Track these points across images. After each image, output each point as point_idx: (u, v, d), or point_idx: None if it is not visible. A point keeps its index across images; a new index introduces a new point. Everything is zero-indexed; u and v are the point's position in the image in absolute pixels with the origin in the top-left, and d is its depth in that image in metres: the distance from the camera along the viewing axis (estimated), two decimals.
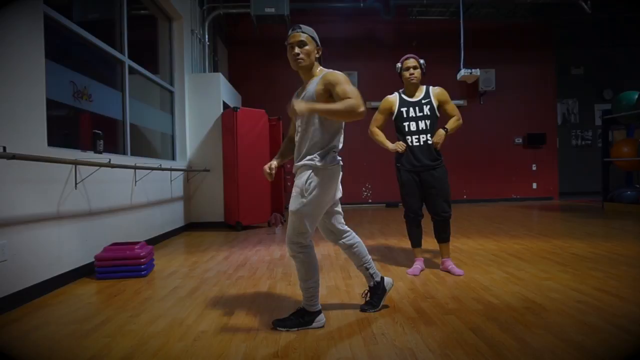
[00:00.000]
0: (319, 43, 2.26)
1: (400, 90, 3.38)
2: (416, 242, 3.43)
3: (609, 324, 2.14)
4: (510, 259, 3.64)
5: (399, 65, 3.34)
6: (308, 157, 2.20)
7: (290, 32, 2.22)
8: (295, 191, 2.20)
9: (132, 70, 4.85)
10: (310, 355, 1.89)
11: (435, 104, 3.25)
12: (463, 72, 8.15)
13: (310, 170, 2.18)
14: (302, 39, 2.18)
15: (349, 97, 2.07)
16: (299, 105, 2.02)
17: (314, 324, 2.23)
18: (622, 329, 2.09)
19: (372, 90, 9.69)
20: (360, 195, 9.79)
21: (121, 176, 4.19)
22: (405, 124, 3.28)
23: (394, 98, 3.36)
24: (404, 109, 3.29)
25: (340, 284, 3.05)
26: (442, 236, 3.35)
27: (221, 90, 6.65)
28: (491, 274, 3.22)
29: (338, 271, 3.45)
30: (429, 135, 3.23)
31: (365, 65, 9.68)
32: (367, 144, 9.73)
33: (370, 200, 9.80)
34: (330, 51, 10.18)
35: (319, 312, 2.27)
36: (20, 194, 2.76)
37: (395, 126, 3.37)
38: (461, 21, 8.39)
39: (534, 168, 10.09)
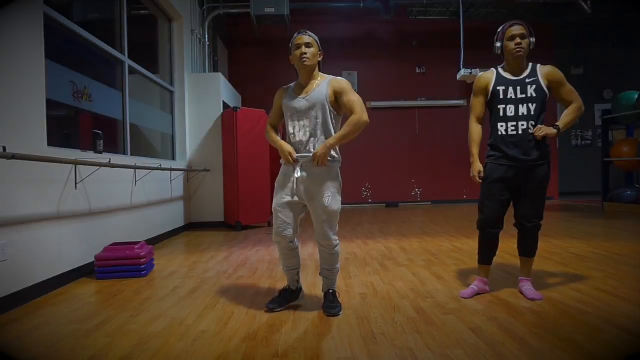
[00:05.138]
0: (321, 48, 2.42)
1: (500, 66, 2.70)
2: (484, 257, 2.75)
3: (609, 324, 2.14)
4: (510, 259, 3.64)
5: (498, 32, 2.62)
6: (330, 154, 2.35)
7: (296, 35, 2.39)
8: (330, 191, 2.34)
9: (132, 70, 4.85)
10: (310, 355, 1.89)
11: (544, 84, 2.56)
12: (463, 72, 8.15)
13: (337, 165, 2.41)
14: (308, 41, 2.35)
15: (354, 108, 2.34)
16: (321, 152, 2.28)
17: None
18: (622, 329, 2.09)
19: (372, 90, 9.72)
20: (360, 195, 9.79)
21: (121, 176, 4.19)
22: (501, 107, 2.60)
23: (490, 74, 2.68)
24: (500, 88, 2.61)
25: (340, 284, 3.04)
26: (522, 249, 2.73)
27: (221, 90, 6.65)
28: (491, 274, 3.21)
29: None
30: (531, 122, 2.54)
31: (365, 65, 9.68)
32: (367, 143, 9.74)
33: (370, 200, 9.80)
34: (330, 51, 10.20)
35: None
36: (20, 194, 2.76)
37: (489, 110, 2.71)
38: (461, 21, 8.39)
39: None
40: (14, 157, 2.49)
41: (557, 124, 2.55)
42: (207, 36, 7.35)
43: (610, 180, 7.95)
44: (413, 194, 9.85)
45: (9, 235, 2.65)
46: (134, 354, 1.93)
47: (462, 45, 8.36)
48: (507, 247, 4.09)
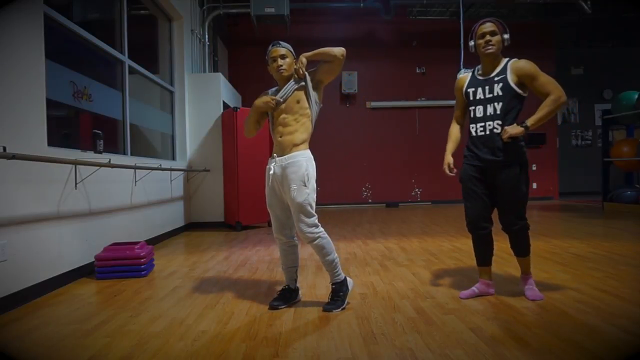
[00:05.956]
0: (295, 56, 2.56)
1: (478, 67, 2.67)
2: (480, 259, 2.72)
3: (609, 324, 2.14)
4: (510, 259, 3.63)
5: (472, 31, 2.57)
6: (298, 150, 2.48)
7: (270, 47, 2.53)
8: (295, 184, 2.41)
9: (132, 70, 4.85)
10: (310, 355, 1.89)
11: (512, 81, 2.46)
12: (463, 72, 8.09)
13: (304, 162, 2.46)
14: (283, 52, 2.50)
15: (328, 55, 2.47)
16: (300, 59, 2.47)
17: (350, 289, 2.58)
18: (622, 329, 2.09)
19: (372, 90, 9.73)
20: (360, 195, 9.79)
21: (121, 176, 4.19)
22: (472, 108, 2.60)
23: (466, 76, 2.70)
24: (470, 90, 2.60)
25: None
26: (515, 250, 2.70)
27: (221, 90, 6.65)
28: (491, 273, 3.21)
29: None
30: (497, 122, 2.49)
31: (365, 65, 9.68)
32: (367, 143, 9.75)
33: (370, 200, 9.80)
34: None
35: (345, 277, 2.58)
36: (20, 194, 2.76)
37: None
38: (461, 21, 8.38)
39: (534, 168, 10.09)
40: (14, 157, 2.49)
41: (526, 121, 2.46)
42: (207, 36, 7.35)
43: (610, 180, 7.95)
44: (413, 194, 9.86)
45: (9, 235, 2.65)
46: (134, 354, 1.93)
47: (462, 45, 8.34)
48: (507, 247, 4.09)
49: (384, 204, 9.69)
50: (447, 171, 2.72)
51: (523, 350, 1.87)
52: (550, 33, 10.09)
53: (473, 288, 2.72)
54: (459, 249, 4.27)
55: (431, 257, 3.90)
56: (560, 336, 2.01)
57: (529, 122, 2.44)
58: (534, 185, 10.13)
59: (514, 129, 2.43)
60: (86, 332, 2.22)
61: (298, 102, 2.50)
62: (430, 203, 9.81)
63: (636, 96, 6.98)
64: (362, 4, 8.60)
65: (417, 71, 9.85)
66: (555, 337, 2.01)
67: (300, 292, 2.71)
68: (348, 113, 9.76)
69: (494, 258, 2.76)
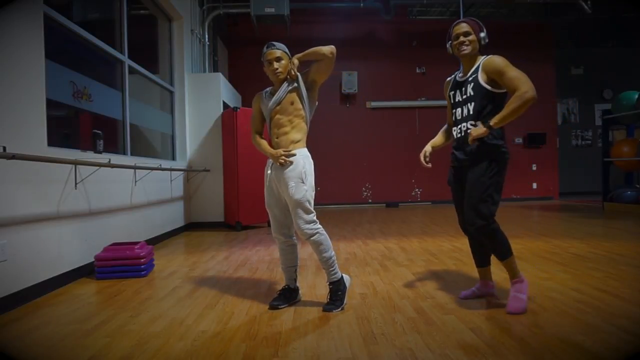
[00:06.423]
0: (290, 56, 2.56)
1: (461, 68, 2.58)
2: (477, 260, 2.68)
3: (609, 324, 2.14)
4: None
5: (448, 31, 2.51)
6: (295, 149, 2.50)
7: (265, 49, 2.52)
8: (293, 182, 2.43)
9: (132, 70, 4.85)
10: (310, 355, 1.89)
11: (482, 79, 2.38)
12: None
13: (302, 159, 2.48)
14: (279, 55, 2.50)
15: (320, 54, 2.48)
16: (292, 61, 2.50)
17: (347, 286, 2.59)
18: (622, 329, 2.09)
19: (372, 90, 9.73)
20: (360, 195, 9.79)
21: (121, 176, 4.19)
22: (454, 111, 2.55)
23: (450, 78, 2.64)
24: (451, 93, 2.57)
25: None
26: (494, 253, 2.48)
27: (221, 90, 6.65)
28: (491, 274, 3.21)
29: None
30: (470, 122, 2.43)
31: (365, 65, 9.68)
32: (367, 143, 9.75)
33: (370, 200, 9.80)
34: None
35: (342, 275, 2.58)
36: (20, 194, 2.76)
37: None
38: None
39: (534, 168, 10.10)
40: (14, 157, 2.49)
41: (488, 121, 2.32)
42: (207, 36, 7.35)
43: (610, 180, 7.95)
44: (413, 194, 9.85)
45: (9, 235, 2.65)
46: (134, 354, 1.93)
47: None
48: None
49: (384, 204, 9.69)
50: (422, 159, 2.72)
51: (523, 350, 1.87)
52: (550, 33, 10.09)
53: (473, 288, 2.70)
54: (459, 249, 4.27)
55: (431, 257, 3.90)
56: (560, 336, 2.01)
57: (493, 121, 2.29)
58: (534, 186, 10.14)
59: (476, 130, 2.31)
60: (86, 332, 2.22)
61: (292, 103, 2.51)
62: (430, 203, 9.81)
63: (636, 96, 6.98)
64: (362, 4, 8.61)
65: (417, 71, 9.85)
66: (555, 337, 2.01)
67: (300, 291, 2.71)
68: (348, 113, 9.76)
69: (495, 259, 2.74)
